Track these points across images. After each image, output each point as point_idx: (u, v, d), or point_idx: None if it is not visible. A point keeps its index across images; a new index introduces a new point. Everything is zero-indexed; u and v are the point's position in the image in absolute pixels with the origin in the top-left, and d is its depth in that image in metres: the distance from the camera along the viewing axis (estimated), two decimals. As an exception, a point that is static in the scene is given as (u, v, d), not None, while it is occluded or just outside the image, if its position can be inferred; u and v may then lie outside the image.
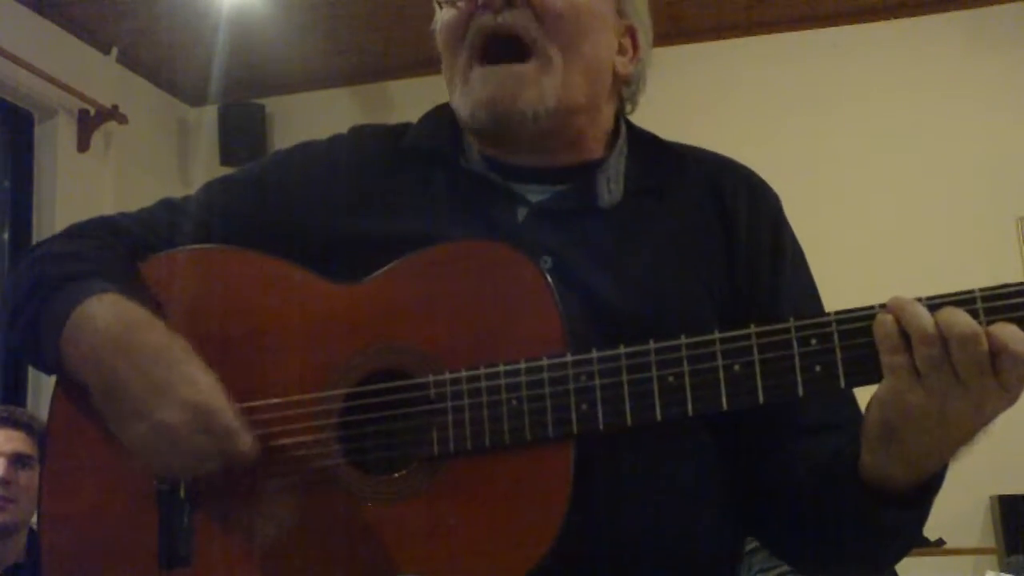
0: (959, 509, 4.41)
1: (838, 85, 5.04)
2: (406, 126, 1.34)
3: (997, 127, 4.85)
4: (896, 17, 5.06)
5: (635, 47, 1.31)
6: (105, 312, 1.14)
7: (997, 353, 0.94)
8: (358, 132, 1.36)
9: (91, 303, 1.15)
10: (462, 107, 1.23)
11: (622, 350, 1.05)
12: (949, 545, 4.39)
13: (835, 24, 5.11)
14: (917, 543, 1.13)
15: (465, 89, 1.22)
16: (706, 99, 5.06)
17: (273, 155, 1.38)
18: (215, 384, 1.11)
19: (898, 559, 1.15)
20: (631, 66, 1.31)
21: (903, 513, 1.05)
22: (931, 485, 1.05)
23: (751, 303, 1.20)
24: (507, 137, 1.23)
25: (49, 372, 1.24)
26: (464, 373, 1.08)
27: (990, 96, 4.89)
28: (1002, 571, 3.68)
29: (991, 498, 4.52)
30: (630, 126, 1.33)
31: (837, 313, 1.01)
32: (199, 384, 1.10)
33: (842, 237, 4.67)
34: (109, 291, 1.16)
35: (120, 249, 1.26)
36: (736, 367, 1.02)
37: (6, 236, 4.87)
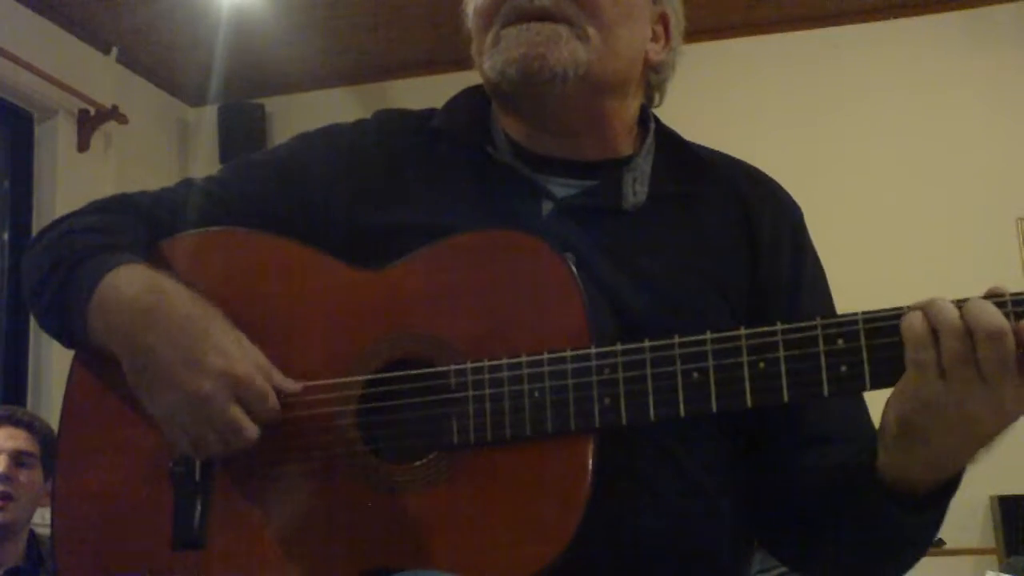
0: (959, 509, 4.35)
1: (838, 85, 5.04)
2: (431, 112, 1.32)
3: (997, 127, 4.85)
4: (896, 17, 5.06)
5: (667, 34, 1.31)
6: (133, 282, 1.14)
7: None
8: (383, 117, 1.35)
9: (118, 273, 1.14)
10: (492, 67, 1.21)
11: (646, 344, 1.04)
12: (949, 545, 4.38)
13: (835, 24, 5.11)
14: (929, 547, 1.12)
15: (496, 49, 1.21)
16: (706, 99, 5.05)
17: (297, 137, 1.36)
18: (246, 347, 1.11)
19: (911, 565, 1.14)
20: (663, 53, 1.30)
21: (920, 515, 1.04)
22: (948, 488, 1.04)
23: (770, 315, 1.19)
24: (535, 100, 1.22)
25: (73, 346, 1.23)
26: (486, 363, 1.08)
27: (990, 96, 4.89)
28: (1002, 571, 3.67)
29: (991, 498, 4.52)
30: (659, 124, 1.32)
31: (864, 313, 1.00)
32: (230, 353, 1.10)
33: (842, 237, 4.65)
34: (136, 262, 1.16)
35: (140, 228, 1.25)
36: (761, 364, 1.01)
37: (6, 236, 4.87)
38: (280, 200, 1.27)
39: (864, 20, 5.09)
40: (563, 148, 1.26)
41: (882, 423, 1.02)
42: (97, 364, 1.19)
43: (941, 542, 4.36)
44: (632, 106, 1.29)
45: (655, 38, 1.29)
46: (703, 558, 1.13)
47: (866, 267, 4.52)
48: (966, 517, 4.54)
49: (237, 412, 1.09)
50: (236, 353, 1.10)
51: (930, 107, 4.95)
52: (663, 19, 1.30)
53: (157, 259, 1.22)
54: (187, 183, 1.34)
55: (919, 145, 4.91)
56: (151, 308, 1.12)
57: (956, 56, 4.98)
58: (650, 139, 1.29)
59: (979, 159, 4.82)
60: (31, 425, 2.90)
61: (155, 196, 1.31)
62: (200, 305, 1.13)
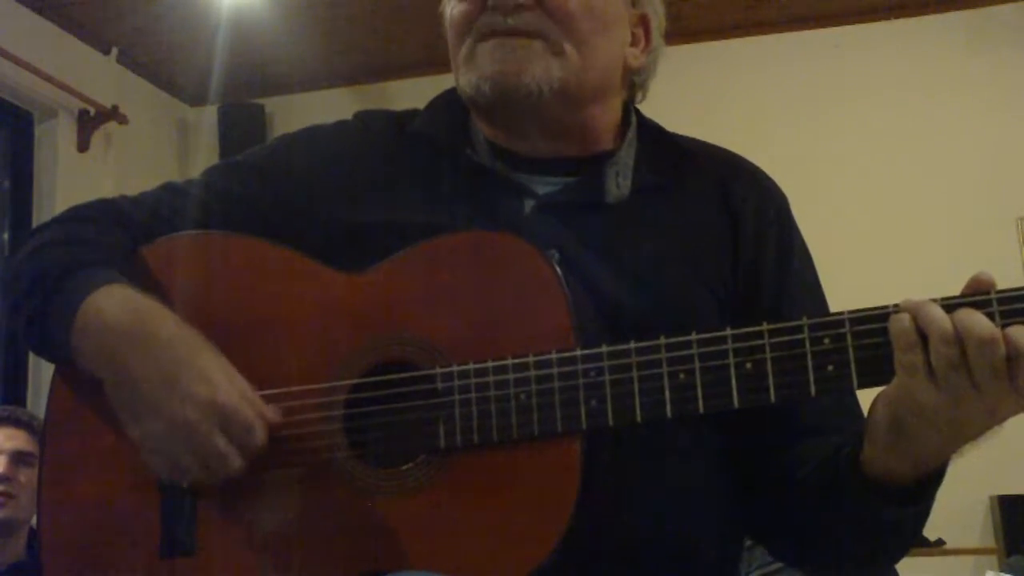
0: (959, 509, 4.40)
1: (838, 85, 5.04)
2: (413, 113, 1.32)
3: (997, 127, 4.84)
4: (896, 17, 5.06)
5: (647, 36, 1.30)
6: (116, 304, 1.13)
7: (1014, 358, 0.93)
8: (364, 118, 1.34)
9: (100, 295, 1.13)
10: (467, 83, 1.21)
11: (632, 345, 1.04)
12: (949, 545, 4.39)
13: (835, 24, 5.11)
14: (917, 541, 1.13)
15: (471, 65, 1.21)
16: (706, 99, 5.05)
17: (278, 139, 1.36)
18: (230, 375, 1.10)
19: (898, 558, 1.15)
20: (643, 57, 1.29)
21: (905, 509, 1.05)
22: (933, 481, 1.04)
23: (756, 303, 1.20)
24: (512, 114, 1.22)
25: (55, 362, 1.23)
26: (472, 366, 1.07)
27: (990, 96, 4.89)
28: (1002, 571, 3.68)
29: (991, 498, 4.52)
30: (640, 116, 1.32)
31: (851, 312, 1.00)
32: (214, 380, 1.09)
33: (842, 237, 4.66)
34: (118, 282, 1.15)
35: (122, 234, 1.25)
36: (748, 365, 1.01)
37: (6, 236, 4.87)
38: (262, 201, 1.27)
39: (864, 20, 5.08)
40: (541, 150, 1.25)
41: (871, 420, 1.03)
42: (79, 376, 1.18)
43: (941, 542, 4.36)
44: (613, 107, 1.29)
45: (635, 41, 1.28)
46: (692, 556, 1.13)
47: (866, 267, 4.52)
48: (966, 517, 4.54)
49: (222, 442, 1.08)
50: (222, 381, 1.09)
51: (930, 107, 4.95)
52: (643, 21, 1.29)
53: (139, 265, 1.21)
54: (168, 187, 1.33)
55: (919, 145, 4.91)
56: (135, 332, 1.11)
57: (956, 56, 4.98)
58: (631, 132, 1.29)
59: (979, 159, 4.82)
60: (31, 425, 2.91)
61: (136, 200, 1.31)
62: (185, 330, 1.13)
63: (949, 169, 4.85)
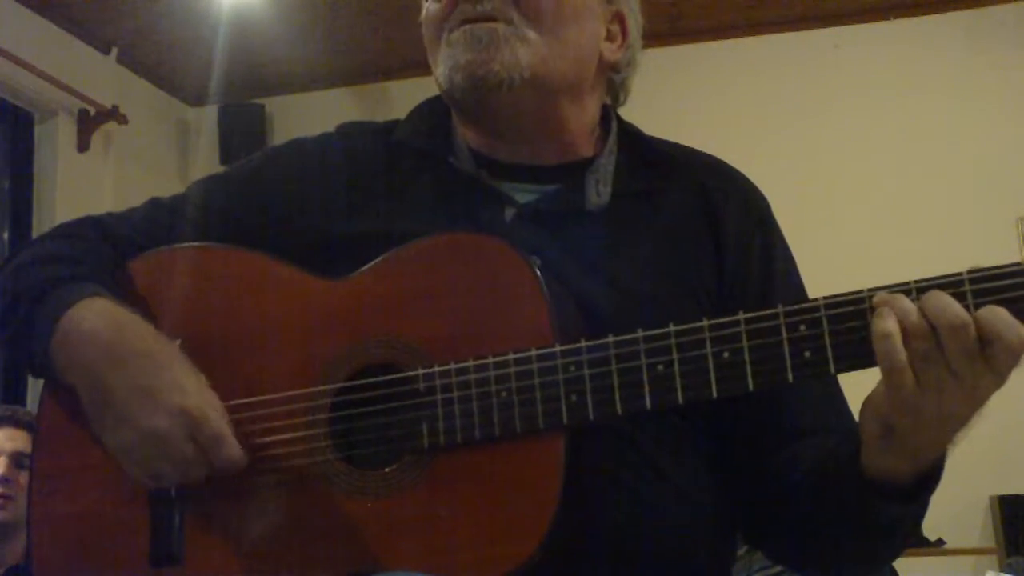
0: (959, 509, 4.40)
1: (838, 85, 5.04)
2: (395, 123, 1.34)
3: (997, 127, 4.85)
4: (896, 17, 5.06)
5: (624, 33, 1.30)
6: (94, 316, 1.14)
7: (988, 342, 0.93)
8: (347, 130, 1.35)
9: (80, 307, 1.14)
10: (442, 75, 1.22)
11: (611, 339, 1.05)
12: (949, 545, 4.38)
13: (835, 24, 5.11)
14: (917, 541, 1.13)
15: (446, 55, 1.22)
16: (705, 99, 5.05)
17: (263, 153, 1.38)
18: (204, 389, 1.11)
19: (896, 555, 1.15)
20: (619, 53, 1.30)
21: (904, 507, 1.05)
22: (931, 477, 1.04)
23: (741, 308, 1.20)
24: (487, 107, 1.22)
25: (37, 376, 1.24)
26: (453, 366, 1.08)
27: (990, 96, 4.89)
28: (1002, 571, 3.68)
29: (991, 498, 4.52)
30: (620, 123, 1.33)
31: (826, 298, 1.00)
32: (187, 390, 1.10)
33: (841, 237, 4.67)
34: (98, 295, 1.16)
35: (108, 250, 1.26)
36: (725, 354, 1.01)
37: (6, 236, 4.88)
38: (247, 215, 1.28)
39: (864, 20, 5.09)
40: (522, 155, 1.26)
41: (861, 423, 1.03)
42: (67, 390, 1.18)
43: (941, 542, 4.36)
44: (590, 107, 1.29)
45: (611, 37, 1.29)
46: (680, 556, 1.13)
47: (865, 267, 4.51)
48: (966, 517, 4.54)
49: (191, 450, 1.09)
50: (193, 391, 1.10)
51: (930, 107, 4.95)
52: (619, 18, 1.30)
53: (124, 279, 1.22)
54: (154, 202, 1.35)
55: (919, 145, 4.91)
56: (110, 343, 1.12)
57: (956, 56, 4.98)
58: (612, 138, 1.29)
59: (979, 159, 4.82)
60: (31, 426, 2.90)
61: (122, 217, 1.32)
62: (161, 340, 1.13)
63: (949, 169, 4.85)
